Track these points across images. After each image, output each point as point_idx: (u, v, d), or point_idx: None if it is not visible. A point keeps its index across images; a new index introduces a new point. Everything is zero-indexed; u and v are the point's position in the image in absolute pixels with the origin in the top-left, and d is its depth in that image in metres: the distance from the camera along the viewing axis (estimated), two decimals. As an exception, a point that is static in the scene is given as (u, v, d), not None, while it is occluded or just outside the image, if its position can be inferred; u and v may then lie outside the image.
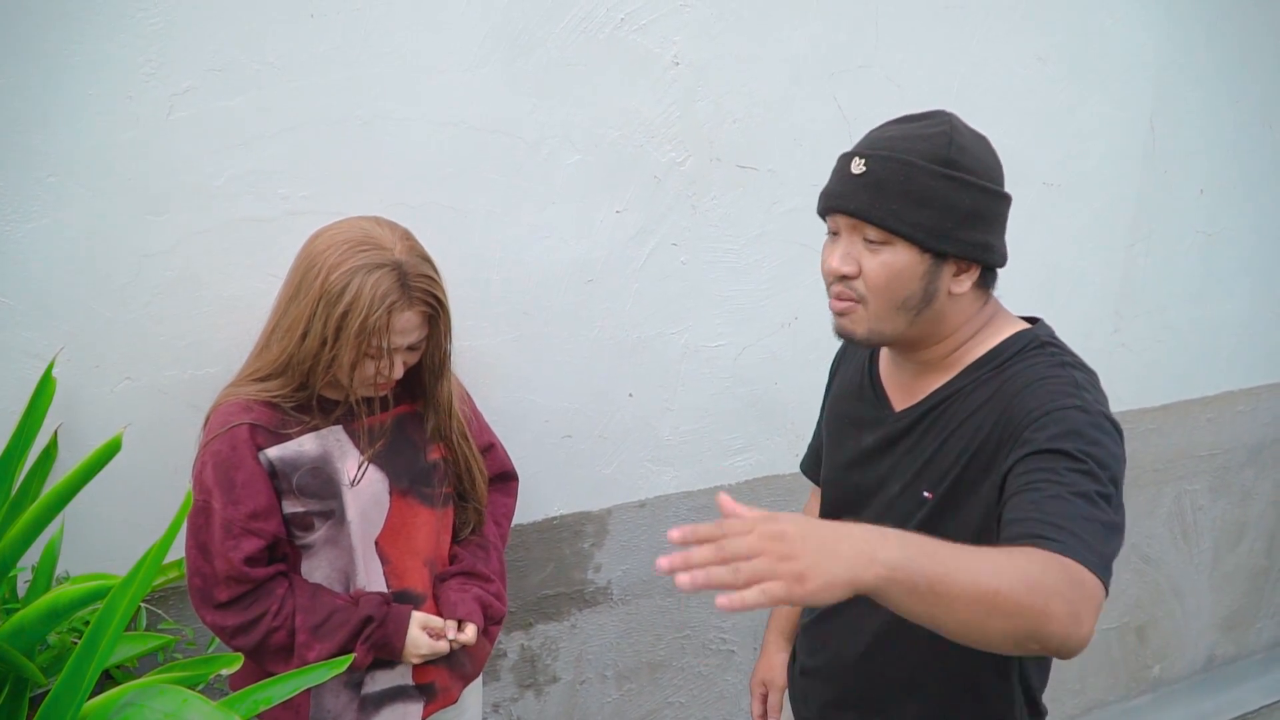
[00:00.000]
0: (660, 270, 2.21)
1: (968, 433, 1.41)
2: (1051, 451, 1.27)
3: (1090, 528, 1.20)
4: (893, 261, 1.39)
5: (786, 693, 1.86)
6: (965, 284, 1.41)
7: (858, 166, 1.40)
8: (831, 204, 1.43)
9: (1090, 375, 1.40)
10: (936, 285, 1.40)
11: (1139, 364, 3.04)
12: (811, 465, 1.87)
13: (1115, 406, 3.16)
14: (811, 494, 1.90)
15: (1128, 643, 3.43)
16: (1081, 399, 1.32)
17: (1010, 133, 2.52)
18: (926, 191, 1.36)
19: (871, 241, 1.39)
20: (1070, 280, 2.80)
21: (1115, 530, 1.25)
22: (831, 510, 1.68)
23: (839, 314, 1.45)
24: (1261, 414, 3.44)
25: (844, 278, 1.42)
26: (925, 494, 1.46)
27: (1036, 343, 1.43)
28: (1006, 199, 1.42)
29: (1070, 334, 2.80)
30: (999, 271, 1.47)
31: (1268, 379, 3.41)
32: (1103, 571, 1.18)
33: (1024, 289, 2.67)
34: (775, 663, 1.90)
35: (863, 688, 1.64)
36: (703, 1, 2.08)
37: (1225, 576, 3.61)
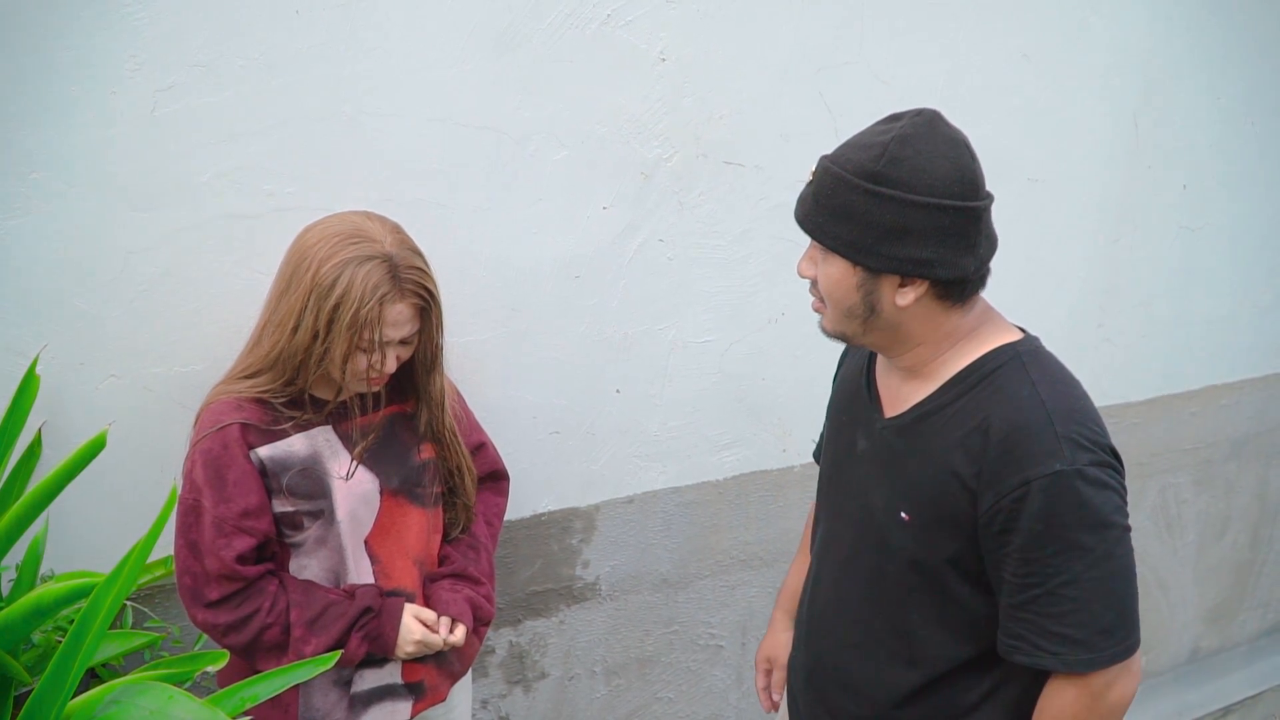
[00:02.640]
0: (647, 266, 2.21)
1: (946, 467, 1.42)
2: (1039, 544, 1.35)
3: (1093, 617, 1.35)
4: (831, 272, 1.42)
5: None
6: (909, 297, 1.39)
7: (809, 175, 1.43)
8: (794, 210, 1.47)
9: (1062, 392, 1.40)
10: (877, 297, 1.40)
11: (1123, 358, 3.05)
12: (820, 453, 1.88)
13: (1100, 401, 3.17)
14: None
15: (1113, 636, 3.44)
16: (1062, 454, 1.33)
17: (996, 129, 2.53)
18: (848, 206, 1.36)
19: (821, 250, 1.43)
20: (1055, 275, 2.81)
21: (1122, 581, 1.38)
22: (823, 498, 1.71)
23: (816, 311, 1.50)
24: (1245, 408, 3.46)
25: (811, 281, 1.47)
26: (904, 516, 1.48)
27: (1017, 360, 1.43)
28: (956, 211, 1.34)
29: (1055, 329, 2.82)
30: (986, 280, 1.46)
31: (1251, 373, 3.43)
32: (1118, 647, 1.37)
33: (1009, 284, 2.68)
34: (780, 640, 1.91)
35: (814, 658, 1.70)
36: (689, -3, 2.08)
37: (1209, 569, 3.63)
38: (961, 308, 1.43)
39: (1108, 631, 1.36)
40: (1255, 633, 3.93)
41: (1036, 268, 2.77)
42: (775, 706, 1.94)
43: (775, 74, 2.22)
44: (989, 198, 1.39)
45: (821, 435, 1.84)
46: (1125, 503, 1.39)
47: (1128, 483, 3.39)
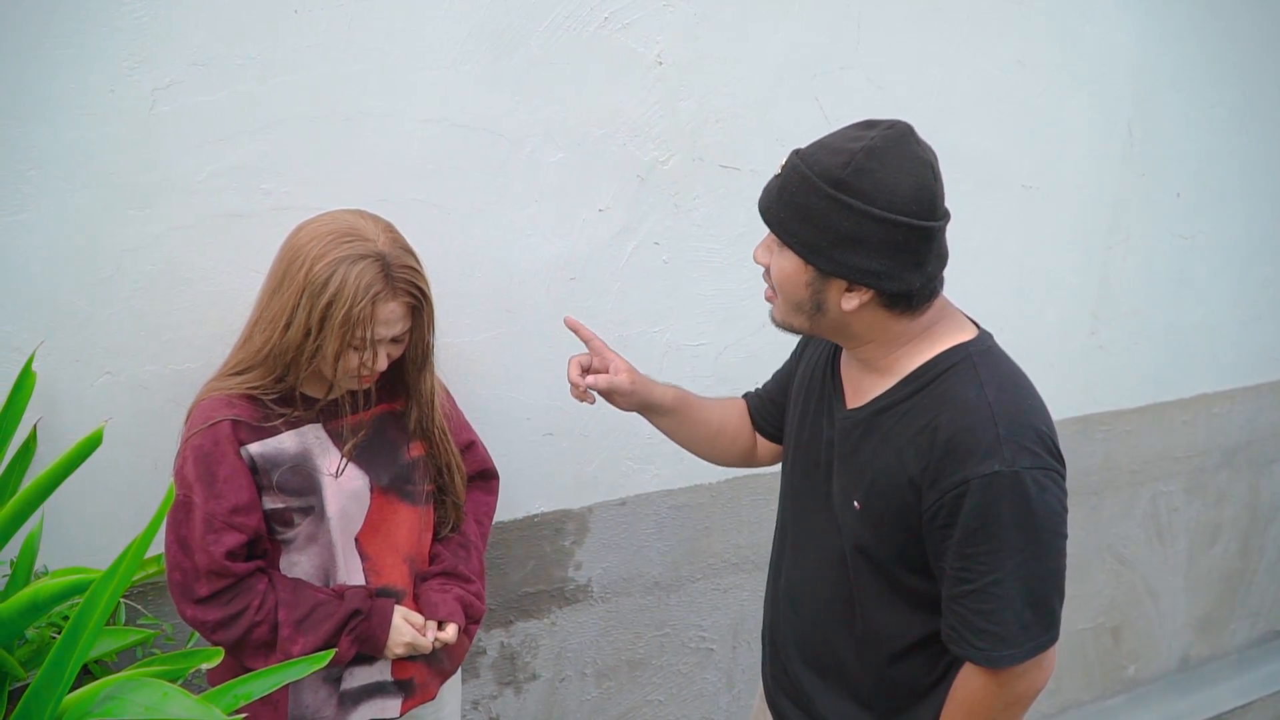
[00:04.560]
0: (643, 269, 2.22)
1: (897, 462, 1.47)
2: (974, 540, 1.39)
3: (1015, 614, 1.40)
4: (784, 265, 1.45)
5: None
6: (853, 302, 1.42)
7: (778, 168, 1.46)
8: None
9: (1010, 394, 1.43)
10: (824, 297, 1.44)
11: (1116, 366, 3.06)
12: (758, 407, 1.91)
13: (1092, 408, 3.16)
14: (721, 401, 1.93)
15: (1103, 643, 3.45)
16: (1001, 455, 1.37)
17: (989, 135, 2.54)
18: (810, 207, 1.38)
19: (777, 242, 1.46)
20: (1048, 282, 2.82)
21: (1048, 583, 1.43)
22: (787, 482, 1.75)
23: (768, 301, 1.54)
24: (1237, 416, 3.47)
25: (765, 269, 1.50)
26: (855, 503, 1.53)
27: (968, 361, 1.46)
28: (910, 229, 1.36)
29: (1047, 336, 2.83)
30: (948, 289, 1.49)
31: (1243, 382, 3.44)
32: (1032, 643, 1.42)
33: (1002, 291, 2.69)
34: (624, 365, 1.78)
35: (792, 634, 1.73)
36: (686, 2, 2.09)
37: (1200, 578, 3.64)
38: (908, 316, 1.46)
39: (1026, 627, 1.42)
40: (1245, 642, 3.94)
41: (1029, 274, 2.78)
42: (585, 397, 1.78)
43: (772, 78, 2.23)
44: (945, 218, 1.42)
45: (766, 393, 1.91)
46: (1064, 508, 1.43)
47: (1120, 490, 3.40)
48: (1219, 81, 2.94)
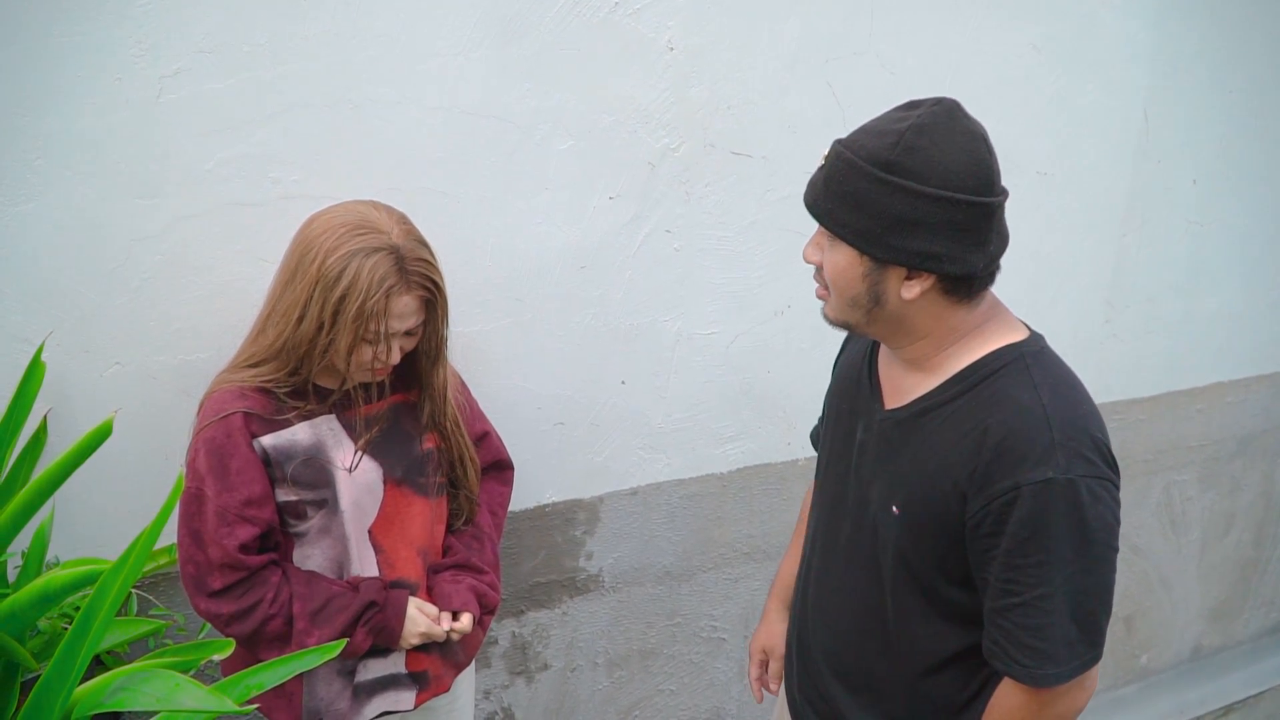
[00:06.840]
0: (653, 257, 2.21)
1: (941, 466, 1.41)
2: (1023, 551, 1.34)
3: (1063, 631, 1.35)
4: (837, 260, 1.39)
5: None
6: (915, 290, 1.36)
7: (821, 160, 1.40)
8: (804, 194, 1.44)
9: (1065, 397, 1.38)
10: (882, 288, 1.37)
11: (1129, 354, 3.04)
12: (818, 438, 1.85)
13: (1105, 397, 3.15)
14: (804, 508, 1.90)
15: (1115, 632, 3.44)
16: (1056, 462, 1.31)
17: (1004, 121, 2.52)
18: (859, 194, 1.32)
19: (828, 236, 1.40)
20: (1062, 270, 2.80)
21: (1097, 599, 1.37)
22: (820, 487, 1.70)
23: (819, 298, 1.48)
24: (1251, 405, 3.45)
25: (816, 267, 1.44)
26: (894, 509, 1.47)
27: (1020, 361, 1.40)
28: (969, 206, 1.31)
29: (1061, 323, 2.82)
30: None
31: (1258, 370, 3.41)
32: (1077, 661, 1.37)
33: (1015, 279, 2.67)
34: (775, 630, 1.90)
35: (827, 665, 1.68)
36: (697, -13, 2.07)
37: (1213, 567, 3.63)
38: (968, 303, 1.41)
39: (1072, 644, 1.36)
40: (1258, 631, 3.92)
41: (1043, 262, 2.76)
42: (770, 693, 1.94)
43: (784, 64, 2.21)
44: (1004, 193, 1.36)
45: (819, 420, 1.82)
46: (1118, 521, 1.37)
47: (1133, 479, 3.38)
48: (1235, 68, 2.91)
